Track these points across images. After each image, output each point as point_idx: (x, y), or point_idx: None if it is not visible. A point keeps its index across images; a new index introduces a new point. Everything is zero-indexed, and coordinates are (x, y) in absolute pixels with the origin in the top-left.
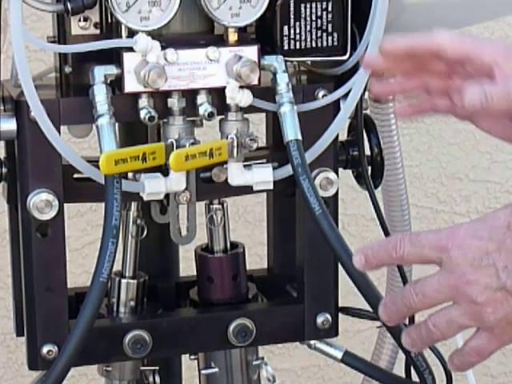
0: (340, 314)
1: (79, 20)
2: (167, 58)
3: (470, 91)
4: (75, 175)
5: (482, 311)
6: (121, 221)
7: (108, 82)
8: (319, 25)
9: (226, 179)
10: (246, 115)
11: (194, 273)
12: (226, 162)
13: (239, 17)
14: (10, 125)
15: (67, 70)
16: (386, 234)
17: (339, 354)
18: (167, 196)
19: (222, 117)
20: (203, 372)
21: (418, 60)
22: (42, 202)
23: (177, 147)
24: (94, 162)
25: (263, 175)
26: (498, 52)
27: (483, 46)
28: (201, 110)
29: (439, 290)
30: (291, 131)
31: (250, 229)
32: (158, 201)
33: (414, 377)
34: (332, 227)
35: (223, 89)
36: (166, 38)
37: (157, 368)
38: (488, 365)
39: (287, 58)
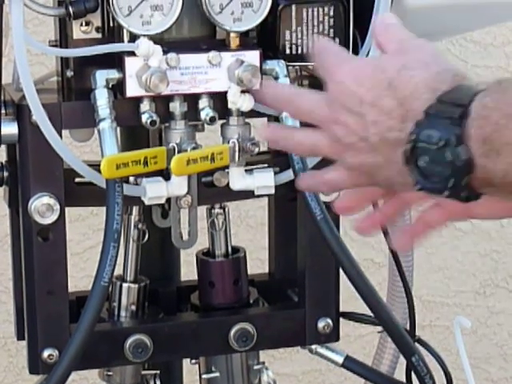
0: (341, 319)
1: (81, 24)
2: (169, 62)
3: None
4: (77, 179)
5: (343, 152)
6: (122, 225)
7: (110, 86)
8: (321, 29)
9: (228, 184)
10: (247, 120)
11: (196, 277)
12: (227, 167)
13: (241, 21)
14: (11, 129)
15: (69, 74)
16: (387, 237)
17: (340, 359)
18: (168, 200)
19: (224, 121)
20: (204, 376)
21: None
22: (43, 206)
23: (178, 151)
24: (96, 166)
25: (265, 180)
26: None
27: None
28: (202, 115)
29: (313, 111)
30: None
31: (251, 233)
32: (160, 205)
33: (415, 381)
34: (333, 232)
35: (225, 93)
36: (168, 43)
37: (158, 372)
38: (489, 370)
39: (289, 63)
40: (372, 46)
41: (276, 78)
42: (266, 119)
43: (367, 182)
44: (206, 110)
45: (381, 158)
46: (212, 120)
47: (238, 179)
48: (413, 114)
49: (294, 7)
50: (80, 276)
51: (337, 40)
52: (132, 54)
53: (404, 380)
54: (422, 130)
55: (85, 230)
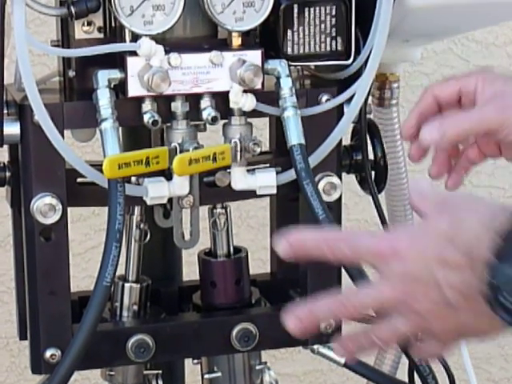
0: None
1: (83, 24)
2: (171, 62)
3: (424, 130)
4: (79, 179)
5: (429, 324)
6: (124, 225)
7: (112, 86)
8: (323, 29)
9: (230, 183)
10: (249, 119)
11: (197, 277)
12: (229, 167)
13: (243, 21)
14: (13, 129)
15: (71, 74)
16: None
17: (342, 359)
18: (170, 200)
19: (226, 121)
20: (206, 376)
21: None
22: (45, 206)
23: (180, 151)
24: (98, 166)
25: (266, 180)
26: (479, 80)
27: (466, 78)
28: (204, 115)
29: (382, 302)
30: (294, 136)
31: (253, 233)
32: (162, 205)
33: (418, 381)
34: None
35: (227, 93)
36: (170, 42)
37: (160, 372)
38: (490, 370)
39: (291, 63)
40: (374, 46)
41: (278, 78)
42: None
43: (459, 340)
44: (207, 110)
45: (465, 316)
46: (214, 120)
47: (239, 179)
48: (479, 261)
49: (295, 7)
50: (82, 276)
51: (339, 39)
52: (134, 53)
53: (406, 380)
54: (499, 272)
55: (87, 230)
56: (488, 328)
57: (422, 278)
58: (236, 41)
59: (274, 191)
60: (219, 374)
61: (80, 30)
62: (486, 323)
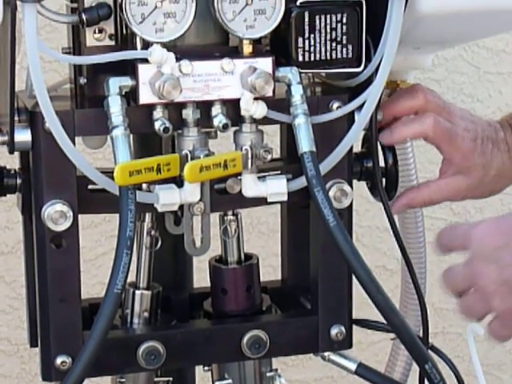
0: (354, 326)
1: (94, 31)
2: (182, 69)
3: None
4: (90, 186)
5: (491, 300)
6: (135, 232)
7: (123, 93)
8: (334, 36)
9: (240, 190)
10: (260, 127)
11: (208, 284)
12: (240, 174)
13: (254, 28)
14: (24, 136)
15: (82, 81)
16: (400, 245)
17: (353, 366)
18: (181, 207)
19: (237, 128)
20: (217, 383)
21: None
22: (56, 213)
23: (191, 158)
24: (109, 173)
25: (277, 187)
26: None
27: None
28: (215, 122)
29: (460, 279)
30: (305, 143)
31: (263, 240)
32: (172, 212)
33: None
34: (346, 239)
35: (238, 100)
36: (181, 50)
37: (170, 379)
38: (501, 377)
39: (302, 70)
40: (385, 54)
41: (288, 85)
42: None
43: None
44: (218, 117)
45: None
46: (225, 127)
47: (250, 186)
48: None
49: (306, 14)
50: (92, 283)
51: (350, 47)
52: (145, 61)
53: None
54: None
55: (97, 236)
56: None
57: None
58: (247, 48)
59: (285, 198)
60: (230, 381)
61: (91, 38)
62: None
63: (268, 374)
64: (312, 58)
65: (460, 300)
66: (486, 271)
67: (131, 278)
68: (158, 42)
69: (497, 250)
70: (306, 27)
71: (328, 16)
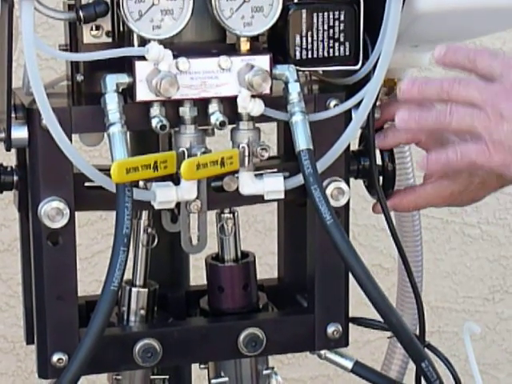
0: (350, 324)
1: (91, 28)
2: (179, 66)
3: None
4: (86, 183)
5: (499, 124)
6: (132, 229)
7: (120, 90)
8: (331, 34)
9: (237, 188)
10: (257, 124)
11: (205, 282)
12: (237, 171)
13: (251, 26)
14: (21, 133)
15: (79, 78)
16: (397, 244)
17: (349, 364)
18: (178, 205)
19: (234, 126)
20: (213, 381)
21: None
22: (53, 210)
23: (188, 156)
24: (106, 171)
25: (274, 184)
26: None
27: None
28: (212, 119)
29: (480, 92)
30: (303, 141)
31: (260, 238)
32: (169, 209)
33: None
34: (343, 237)
35: (235, 98)
36: (178, 47)
37: (167, 377)
38: (498, 376)
39: (299, 68)
40: (382, 51)
41: (286, 83)
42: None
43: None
44: (215, 115)
45: None
46: (222, 124)
47: (247, 184)
48: None
49: (304, 12)
50: (89, 280)
51: (347, 45)
52: (142, 58)
53: None
54: None
55: (94, 234)
56: None
57: None
58: (244, 46)
59: (282, 196)
60: (226, 379)
61: (88, 35)
62: None
63: (264, 372)
64: (309, 56)
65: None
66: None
67: (128, 275)
68: (155, 39)
69: None
70: (304, 25)
71: (325, 13)
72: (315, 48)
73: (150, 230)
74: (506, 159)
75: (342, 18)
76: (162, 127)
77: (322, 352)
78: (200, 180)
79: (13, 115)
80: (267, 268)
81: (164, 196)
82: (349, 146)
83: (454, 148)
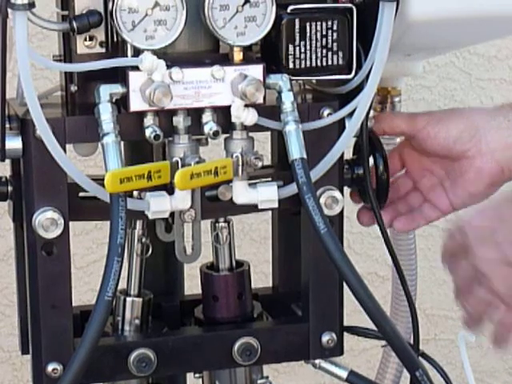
0: (345, 333)
1: (85, 39)
2: (172, 76)
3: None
4: (81, 193)
5: (492, 284)
6: (126, 239)
7: (113, 100)
8: (324, 43)
9: (232, 197)
10: (251, 134)
11: (199, 291)
12: (231, 181)
13: (244, 36)
14: (15, 143)
15: (73, 88)
16: (391, 252)
17: (344, 374)
18: (172, 214)
19: (227, 135)
20: None
21: None
22: (47, 221)
23: (182, 166)
24: (100, 181)
25: (268, 194)
26: None
27: None
28: (206, 129)
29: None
30: (296, 150)
31: (255, 247)
32: (163, 219)
33: None
34: (337, 246)
35: (228, 107)
36: (172, 57)
37: None
38: None
39: (292, 77)
40: (375, 60)
41: (279, 92)
42: None
43: None
44: (209, 124)
45: None
46: (215, 134)
47: (241, 193)
48: None
49: (297, 21)
50: (84, 290)
51: (340, 54)
52: (136, 68)
53: None
54: None
55: (89, 243)
56: None
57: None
58: (237, 55)
59: (276, 205)
60: None
61: (82, 45)
62: None
63: (259, 381)
64: (303, 65)
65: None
66: (481, 254)
67: (122, 285)
68: (148, 50)
69: (491, 231)
70: (297, 34)
71: (318, 23)
72: (308, 57)
73: (144, 239)
74: None
75: (335, 27)
76: (156, 137)
77: (317, 361)
78: (194, 189)
79: (7, 125)
80: (262, 277)
81: (158, 206)
82: (342, 155)
83: None
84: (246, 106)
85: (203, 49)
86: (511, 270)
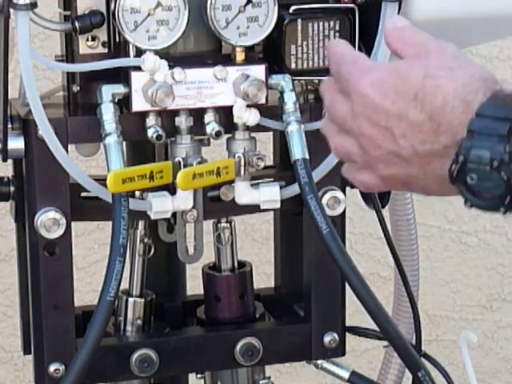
0: (347, 333)
1: (87, 39)
2: (175, 76)
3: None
4: (83, 194)
5: (375, 163)
6: (128, 239)
7: (116, 100)
8: (327, 44)
9: (234, 198)
10: (253, 134)
11: (201, 291)
12: (233, 181)
13: (247, 36)
14: (17, 143)
15: (75, 88)
16: (393, 252)
17: (346, 374)
18: (174, 215)
19: (230, 135)
20: None
21: None
22: (49, 221)
23: (184, 166)
24: (102, 181)
25: (270, 194)
26: None
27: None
28: (208, 129)
29: (344, 120)
30: (298, 150)
31: (257, 247)
32: (166, 219)
33: None
34: (339, 246)
35: (230, 108)
36: (174, 57)
37: None
38: None
39: (294, 77)
40: (378, 60)
41: (281, 93)
42: None
43: (402, 189)
44: (211, 125)
45: (415, 170)
46: (218, 134)
47: (243, 193)
48: (446, 129)
49: (299, 21)
50: (86, 290)
51: None
52: (138, 68)
53: None
54: (470, 151)
55: (91, 244)
56: (437, 189)
57: (377, 121)
58: (240, 56)
59: (278, 205)
60: None
61: (84, 45)
62: (437, 184)
63: (261, 382)
64: (305, 66)
65: (331, 135)
66: (373, 134)
67: (124, 285)
68: (150, 50)
69: (389, 116)
70: (299, 34)
71: (321, 23)
72: (310, 57)
73: (146, 239)
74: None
75: (338, 27)
76: (158, 137)
77: (319, 362)
78: (196, 190)
79: (9, 126)
80: (264, 277)
81: (160, 206)
82: None
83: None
84: (248, 106)
85: (205, 49)
86: (397, 160)
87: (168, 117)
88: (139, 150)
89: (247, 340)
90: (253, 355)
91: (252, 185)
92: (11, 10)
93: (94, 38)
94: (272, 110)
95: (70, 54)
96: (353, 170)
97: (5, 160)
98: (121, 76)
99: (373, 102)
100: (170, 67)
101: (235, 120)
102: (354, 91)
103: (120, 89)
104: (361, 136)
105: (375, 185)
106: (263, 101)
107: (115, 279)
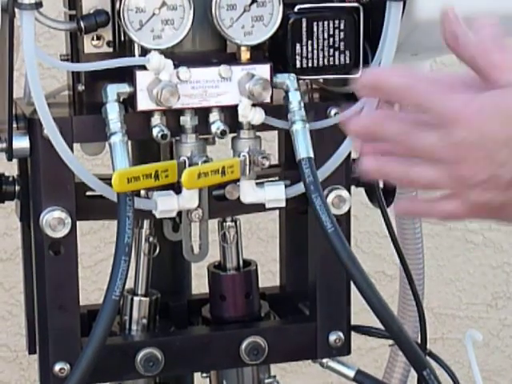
0: (352, 332)
1: (92, 38)
2: (180, 76)
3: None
4: (88, 193)
5: (468, 189)
6: (133, 238)
7: (121, 100)
8: (331, 43)
9: (239, 197)
10: (258, 133)
11: (207, 290)
12: (238, 180)
13: (252, 35)
14: (22, 143)
15: (80, 88)
16: (398, 251)
17: (351, 373)
18: (180, 214)
19: (235, 135)
20: None
21: None
22: (54, 220)
23: (189, 165)
24: (107, 180)
25: (275, 193)
26: None
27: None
28: (213, 128)
29: (433, 150)
30: (303, 149)
31: (262, 246)
32: (171, 218)
33: None
34: (344, 245)
35: (235, 107)
36: (179, 57)
37: None
38: (501, 383)
39: (299, 76)
40: (383, 60)
41: (286, 92)
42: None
43: (489, 217)
44: (216, 124)
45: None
46: (223, 133)
47: (248, 192)
48: None
49: (304, 21)
50: (92, 289)
51: (347, 53)
52: (143, 67)
53: None
54: None
55: (96, 242)
56: None
57: (483, 150)
58: (245, 55)
59: (283, 204)
60: None
61: (89, 44)
62: None
63: (266, 381)
64: (310, 65)
65: (409, 167)
66: (476, 160)
67: (129, 284)
68: (155, 49)
69: (495, 143)
70: (304, 33)
71: (326, 22)
72: (315, 57)
73: (151, 238)
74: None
75: (342, 26)
76: (163, 136)
77: (324, 360)
78: (201, 189)
79: (14, 125)
80: (270, 276)
81: (165, 205)
82: (350, 154)
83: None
84: (253, 105)
85: (210, 48)
86: (496, 188)
87: (173, 116)
88: (144, 149)
89: (252, 339)
90: (258, 354)
91: (257, 184)
92: (16, 10)
93: (99, 38)
94: (277, 109)
95: (75, 53)
96: (427, 201)
97: (10, 159)
98: (126, 75)
99: (479, 129)
100: (175, 66)
101: (240, 119)
102: (455, 119)
103: (125, 88)
104: (456, 164)
105: (460, 213)
106: (268, 100)
107: (120, 278)
